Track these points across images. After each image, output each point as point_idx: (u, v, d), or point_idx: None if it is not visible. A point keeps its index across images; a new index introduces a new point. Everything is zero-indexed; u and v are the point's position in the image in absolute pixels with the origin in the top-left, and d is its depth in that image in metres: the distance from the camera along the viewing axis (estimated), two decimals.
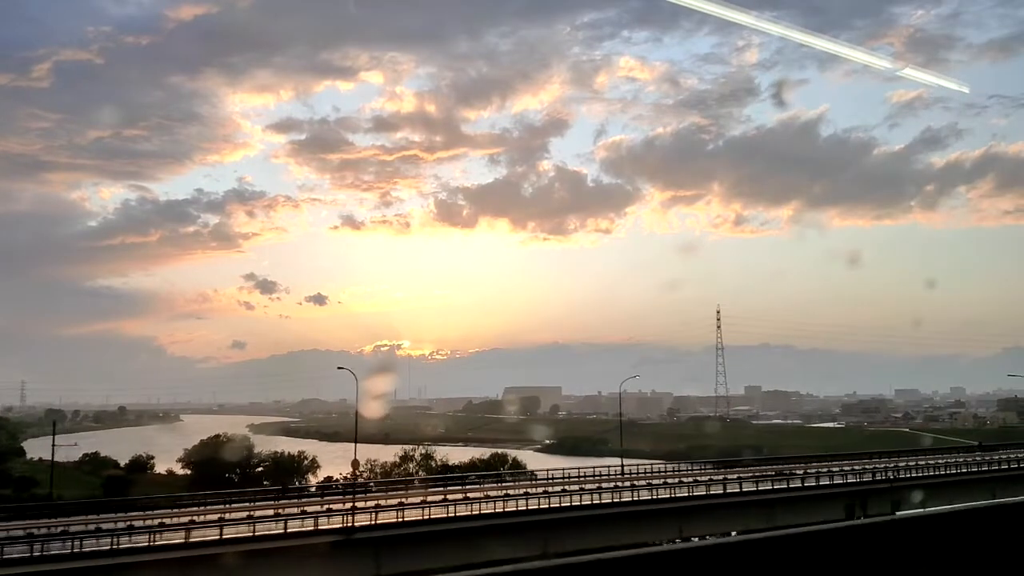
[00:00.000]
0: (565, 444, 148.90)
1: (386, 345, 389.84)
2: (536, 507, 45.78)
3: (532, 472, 61.06)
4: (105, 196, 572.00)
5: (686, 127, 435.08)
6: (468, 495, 47.94)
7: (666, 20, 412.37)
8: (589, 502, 48.29)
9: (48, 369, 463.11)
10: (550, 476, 59.96)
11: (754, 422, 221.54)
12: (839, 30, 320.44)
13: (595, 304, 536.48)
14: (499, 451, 71.52)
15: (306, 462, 74.80)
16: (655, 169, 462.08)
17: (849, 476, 61.84)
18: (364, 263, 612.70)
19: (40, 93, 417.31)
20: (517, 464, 67.87)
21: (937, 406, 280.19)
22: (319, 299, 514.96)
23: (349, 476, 71.44)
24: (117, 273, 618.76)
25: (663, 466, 73.31)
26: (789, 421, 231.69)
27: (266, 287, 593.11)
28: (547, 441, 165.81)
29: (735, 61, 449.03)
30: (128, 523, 38.68)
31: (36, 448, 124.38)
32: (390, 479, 63.59)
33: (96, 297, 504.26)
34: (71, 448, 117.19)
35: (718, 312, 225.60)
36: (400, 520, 41.93)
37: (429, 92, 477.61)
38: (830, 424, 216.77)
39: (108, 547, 34.67)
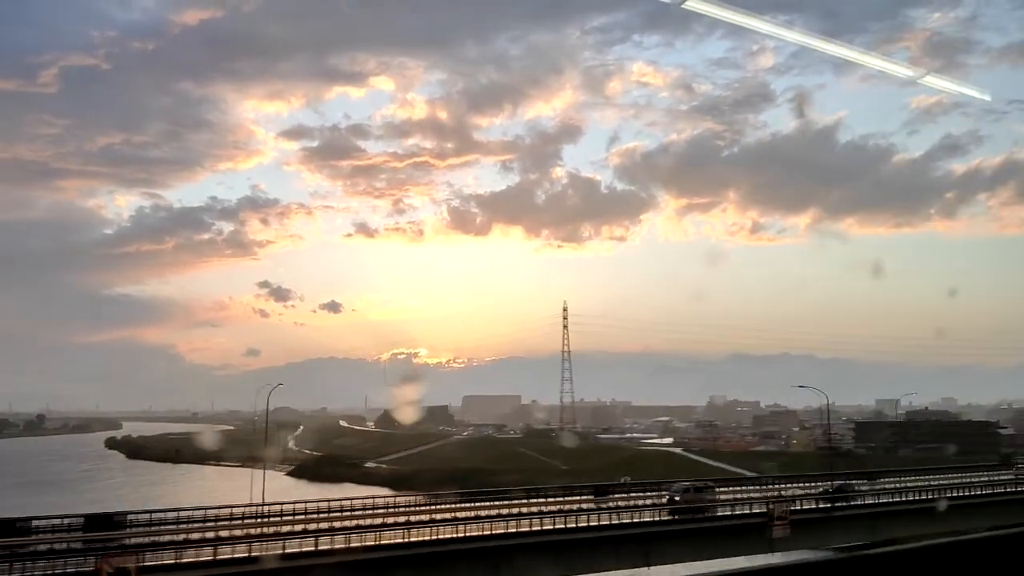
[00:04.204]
0: (308, 468, 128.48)
1: (403, 353, 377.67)
2: None
3: None
4: (121, 204, 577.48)
5: (700, 133, 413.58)
6: None
7: (677, 24, 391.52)
8: None
9: (69, 377, 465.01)
10: None
11: (602, 436, 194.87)
12: (854, 34, 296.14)
13: (611, 312, 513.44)
14: None
15: None
16: (670, 176, 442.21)
17: None
18: (378, 271, 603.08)
19: (48, 99, 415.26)
20: None
21: (850, 419, 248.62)
22: (333, 306, 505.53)
23: None
24: (134, 280, 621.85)
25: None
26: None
27: (280, 295, 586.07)
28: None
29: (749, 66, 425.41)
30: None
31: None
32: None
33: (114, 304, 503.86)
34: None
35: (564, 310, 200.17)
36: None
37: (440, 98, 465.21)
38: (661, 440, 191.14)
39: None
